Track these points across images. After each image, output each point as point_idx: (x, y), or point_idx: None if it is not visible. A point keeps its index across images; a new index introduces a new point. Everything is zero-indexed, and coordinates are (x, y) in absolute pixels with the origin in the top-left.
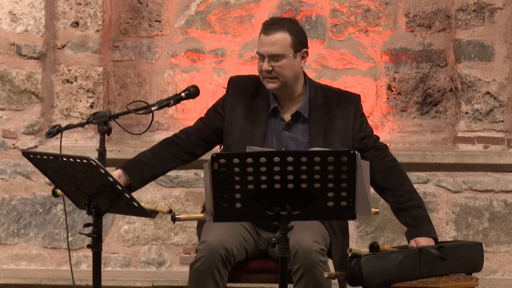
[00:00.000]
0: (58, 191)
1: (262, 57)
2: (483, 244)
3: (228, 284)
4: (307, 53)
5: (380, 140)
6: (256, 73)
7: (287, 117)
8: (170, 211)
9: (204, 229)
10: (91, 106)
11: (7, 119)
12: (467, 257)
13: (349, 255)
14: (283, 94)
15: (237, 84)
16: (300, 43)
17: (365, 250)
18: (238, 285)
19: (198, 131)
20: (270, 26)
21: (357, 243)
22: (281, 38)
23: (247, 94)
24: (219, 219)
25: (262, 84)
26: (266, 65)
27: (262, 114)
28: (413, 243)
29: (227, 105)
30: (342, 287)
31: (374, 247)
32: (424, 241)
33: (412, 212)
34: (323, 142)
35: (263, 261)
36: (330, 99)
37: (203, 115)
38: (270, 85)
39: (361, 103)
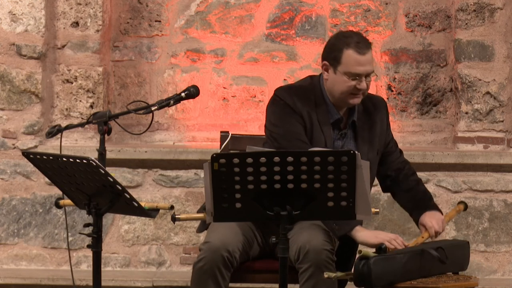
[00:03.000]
0: (61, 202)
1: (358, 76)
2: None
3: (233, 284)
4: None
5: (403, 159)
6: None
7: (344, 126)
8: (172, 207)
9: (209, 229)
10: (91, 106)
11: (7, 119)
12: (458, 256)
13: (359, 256)
14: (348, 107)
15: (297, 94)
16: None
17: (366, 250)
18: (242, 285)
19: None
20: (361, 44)
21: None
22: (371, 55)
23: (311, 104)
24: (219, 219)
25: (314, 90)
26: (364, 84)
27: (326, 124)
28: (425, 219)
29: (297, 113)
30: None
31: (381, 249)
32: (436, 216)
33: (419, 195)
34: (368, 148)
35: (267, 261)
36: (366, 104)
37: (293, 137)
38: (356, 101)
39: None
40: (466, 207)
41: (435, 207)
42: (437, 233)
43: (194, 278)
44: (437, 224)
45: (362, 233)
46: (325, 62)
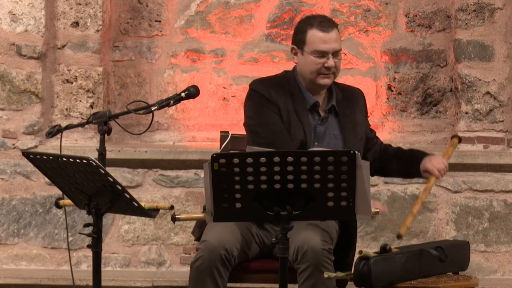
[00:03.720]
0: (61, 202)
1: (324, 54)
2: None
3: (230, 284)
4: None
5: (380, 141)
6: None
7: (322, 111)
8: (172, 207)
9: (206, 228)
10: (91, 106)
11: (7, 119)
12: (458, 256)
13: (359, 256)
14: (321, 90)
15: (272, 85)
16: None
17: (366, 249)
18: (242, 285)
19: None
20: (324, 23)
21: (357, 243)
22: (338, 34)
23: (286, 93)
24: (219, 219)
25: (289, 81)
26: (331, 62)
27: (303, 110)
28: (426, 165)
29: (273, 103)
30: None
31: (385, 249)
32: (433, 158)
33: (407, 154)
34: (353, 133)
35: (265, 261)
36: (345, 93)
37: (269, 126)
38: (326, 81)
39: None
40: (460, 139)
41: (429, 154)
42: (441, 172)
43: (192, 277)
44: (439, 164)
45: None
46: (293, 46)
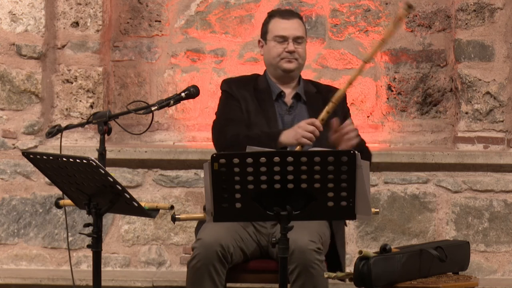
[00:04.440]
0: (61, 202)
1: (284, 38)
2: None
3: (228, 284)
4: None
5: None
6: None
7: (289, 101)
8: (172, 207)
9: (202, 227)
10: (91, 106)
11: (7, 119)
12: (458, 256)
13: (359, 256)
14: (288, 79)
15: (236, 81)
16: (306, 32)
17: (366, 250)
18: (240, 285)
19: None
20: (285, 12)
21: (357, 243)
22: (300, 23)
23: (249, 87)
24: (219, 219)
25: (257, 78)
26: (292, 46)
27: (268, 100)
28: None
29: (235, 97)
30: None
31: (385, 249)
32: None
33: None
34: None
35: (262, 261)
36: (320, 88)
37: (226, 116)
38: (289, 65)
39: None
40: (410, 6)
41: None
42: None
43: (189, 277)
44: None
45: (284, 136)
46: (259, 39)
